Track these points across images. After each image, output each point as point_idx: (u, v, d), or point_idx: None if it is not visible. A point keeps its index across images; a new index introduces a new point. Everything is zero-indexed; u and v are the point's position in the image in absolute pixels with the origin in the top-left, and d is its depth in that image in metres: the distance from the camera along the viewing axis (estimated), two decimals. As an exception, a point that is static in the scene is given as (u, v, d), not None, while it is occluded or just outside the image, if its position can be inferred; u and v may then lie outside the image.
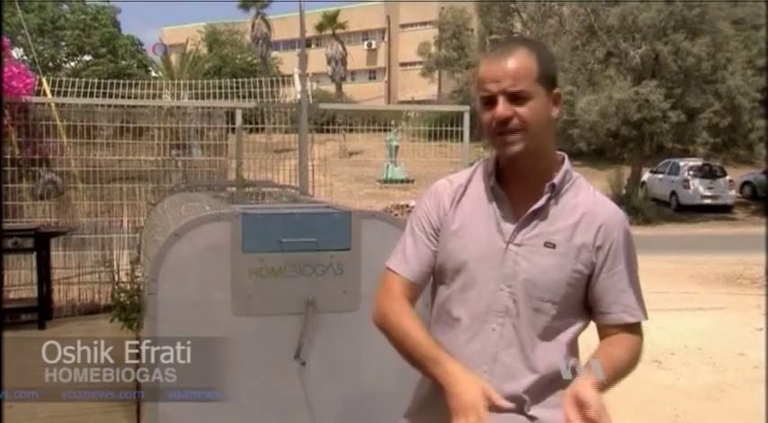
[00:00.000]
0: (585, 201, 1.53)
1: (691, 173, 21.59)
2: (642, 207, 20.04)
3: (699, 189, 21.27)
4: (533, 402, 1.48)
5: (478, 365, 1.47)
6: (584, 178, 1.58)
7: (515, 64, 1.45)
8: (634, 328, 1.53)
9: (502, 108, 1.44)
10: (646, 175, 22.67)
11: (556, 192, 1.51)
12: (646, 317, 1.54)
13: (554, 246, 1.48)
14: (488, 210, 1.53)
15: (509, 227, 1.50)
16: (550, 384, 1.49)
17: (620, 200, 19.99)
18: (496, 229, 1.51)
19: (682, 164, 22.00)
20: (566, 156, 1.58)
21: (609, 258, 1.50)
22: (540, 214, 1.50)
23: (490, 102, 1.46)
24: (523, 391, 1.48)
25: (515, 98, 1.44)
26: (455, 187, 1.59)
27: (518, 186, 1.52)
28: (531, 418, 1.48)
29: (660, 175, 22.55)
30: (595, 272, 1.50)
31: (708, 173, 21.66)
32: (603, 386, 1.38)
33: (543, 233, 1.49)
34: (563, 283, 1.48)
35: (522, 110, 1.45)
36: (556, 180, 1.51)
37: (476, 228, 1.52)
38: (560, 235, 1.49)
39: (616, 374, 1.45)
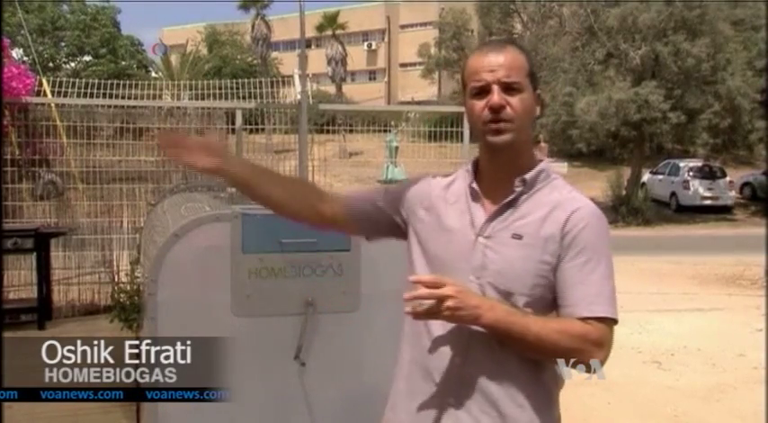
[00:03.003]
0: (559, 197, 1.54)
1: (691, 174, 21.58)
2: (642, 208, 20.04)
3: (699, 190, 21.25)
4: (504, 397, 1.49)
5: (451, 358, 1.51)
6: (574, 179, 1.59)
7: (509, 57, 1.51)
8: (591, 323, 1.46)
9: (497, 96, 1.48)
10: (646, 176, 22.67)
11: (528, 187, 1.54)
12: (606, 313, 1.46)
13: (521, 237, 1.50)
14: (464, 206, 1.57)
15: (481, 220, 1.54)
16: (522, 380, 1.49)
17: (621, 200, 20.03)
18: (470, 222, 1.55)
19: (682, 165, 21.99)
20: (546, 159, 1.62)
21: (571, 248, 1.48)
22: (511, 208, 1.53)
23: (482, 92, 1.50)
24: (495, 384, 1.49)
25: (508, 89, 1.49)
26: (436, 186, 1.65)
27: (494, 183, 1.56)
28: (501, 414, 1.49)
29: (660, 176, 22.54)
30: (559, 261, 1.49)
31: (708, 174, 21.65)
32: (496, 314, 1.41)
33: (512, 226, 1.51)
34: (531, 274, 1.48)
35: (514, 101, 1.49)
36: (528, 175, 1.54)
37: (452, 223, 1.57)
38: (529, 227, 1.50)
39: (524, 328, 1.42)
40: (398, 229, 1.67)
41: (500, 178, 1.55)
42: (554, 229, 1.49)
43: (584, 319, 1.45)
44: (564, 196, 1.54)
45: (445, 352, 1.53)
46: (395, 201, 1.67)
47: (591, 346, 1.44)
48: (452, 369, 1.52)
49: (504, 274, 1.49)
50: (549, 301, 1.50)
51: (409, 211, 1.65)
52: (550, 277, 1.49)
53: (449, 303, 1.38)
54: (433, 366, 1.54)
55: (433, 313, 1.39)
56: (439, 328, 1.52)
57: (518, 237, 1.50)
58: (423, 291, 1.38)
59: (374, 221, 1.68)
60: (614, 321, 1.48)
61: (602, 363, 1.46)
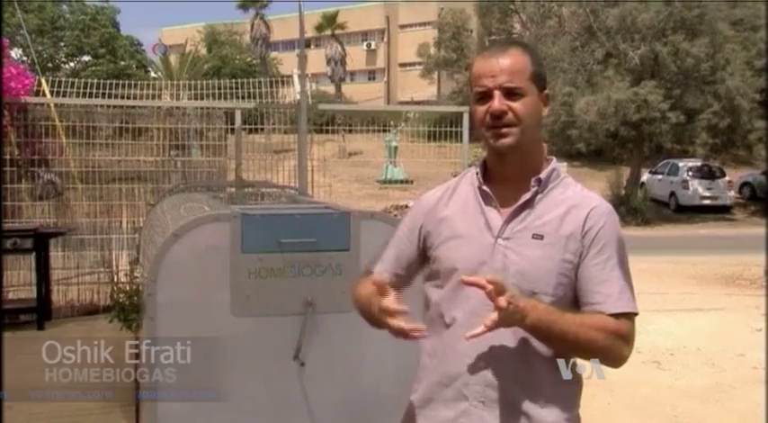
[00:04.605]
0: (574, 195, 1.56)
1: (690, 173, 21.59)
2: (641, 208, 20.05)
3: (698, 190, 21.27)
4: (528, 398, 1.49)
5: (475, 362, 1.50)
6: (574, 179, 1.61)
7: (511, 61, 1.51)
8: (619, 319, 1.48)
9: (498, 102, 1.49)
10: (645, 176, 22.68)
11: (543, 187, 1.55)
12: (632, 309, 1.50)
13: (542, 237, 1.51)
14: (476, 209, 1.57)
15: (497, 222, 1.54)
16: (545, 380, 1.49)
17: (620, 200, 20.01)
18: (485, 225, 1.54)
19: (681, 164, 22.00)
20: (554, 158, 1.62)
21: (593, 246, 1.51)
22: (528, 208, 1.53)
23: (485, 97, 1.51)
24: (519, 386, 1.49)
25: (510, 94, 1.50)
26: (442, 194, 1.65)
27: (506, 184, 1.56)
28: (526, 415, 1.49)
29: (659, 176, 22.56)
30: (581, 260, 1.51)
31: (707, 173, 21.66)
32: (538, 314, 1.40)
33: (531, 226, 1.52)
34: (554, 273, 1.49)
35: (516, 105, 1.50)
36: (542, 175, 1.55)
37: (465, 228, 1.56)
38: (548, 226, 1.51)
39: (564, 326, 1.42)
40: (425, 256, 1.65)
41: (510, 179, 1.55)
42: (574, 228, 1.51)
43: (613, 316, 1.48)
44: (578, 194, 1.56)
45: (469, 357, 1.51)
46: (411, 232, 1.66)
47: (621, 342, 1.48)
48: (477, 374, 1.50)
49: (527, 275, 1.49)
50: (570, 300, 1.51)
51: (424, 232, 1.64)
52: (572, 276, 1.51)
53: (510, 308, 1.36)
54: (457, 372, 1.52)
55: (499, 322, 1.37)
56: (462, 333, 1.49)
57: (539, 237, 1.50)
58: (501, 301, 1.35)
59: (408, 269, 1.67)
60: (636, 315, 1.52)
61: (627, 357, 1.49)
